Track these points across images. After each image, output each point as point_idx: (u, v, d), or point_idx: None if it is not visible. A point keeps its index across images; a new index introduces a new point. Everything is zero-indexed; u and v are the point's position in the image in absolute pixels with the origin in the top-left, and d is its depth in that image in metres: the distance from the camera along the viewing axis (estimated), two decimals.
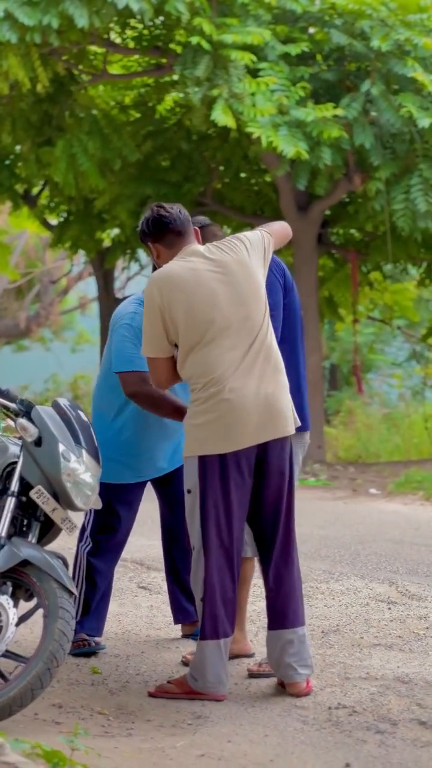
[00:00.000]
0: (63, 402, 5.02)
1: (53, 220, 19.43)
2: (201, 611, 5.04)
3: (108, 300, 19.49)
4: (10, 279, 27.63)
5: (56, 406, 4.99)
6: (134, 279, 27.64)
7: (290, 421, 5.08)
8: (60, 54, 14.49)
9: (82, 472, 4.84)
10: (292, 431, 5.10)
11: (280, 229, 5.38)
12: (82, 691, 5.17)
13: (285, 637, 5.10)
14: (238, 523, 5.04)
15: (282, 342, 5.36)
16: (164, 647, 6.00)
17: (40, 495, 4.77)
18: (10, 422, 5.01)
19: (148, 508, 6.28)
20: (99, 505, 5.05)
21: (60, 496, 4.81)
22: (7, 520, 4.73)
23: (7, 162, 17.56)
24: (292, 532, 5.15)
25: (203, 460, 5.00)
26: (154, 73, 15.67)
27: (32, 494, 4.78)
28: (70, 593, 4.62)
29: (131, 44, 15.45)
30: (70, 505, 4.84)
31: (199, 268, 5.01)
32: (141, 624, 6.51)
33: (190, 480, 5.06)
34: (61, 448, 4.81)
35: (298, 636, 5.11)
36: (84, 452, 4.89)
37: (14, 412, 4.91)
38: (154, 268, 5.36)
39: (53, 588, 4.59)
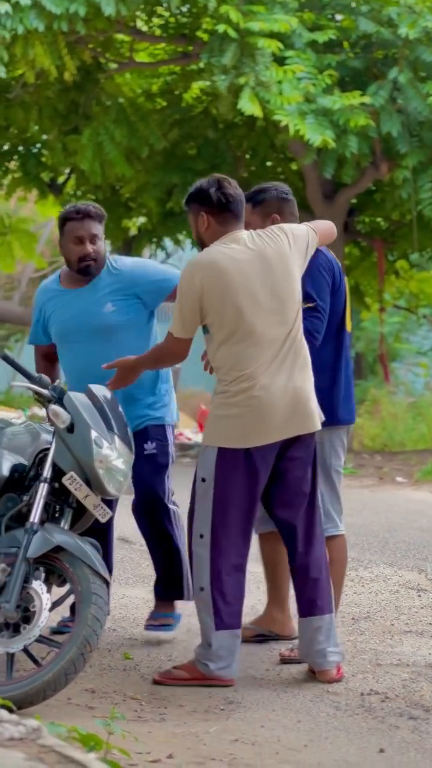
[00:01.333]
0: (96, 388, 5.02)
1: None
2: (205, 599, 5.02)
3: None
4: (36, 267, 27.67)
5: (89, 393, 5.00)
6: None
7: (316, 417, 5.08)
8: (87, 42, 14.50)
9: (114, 458, 4.84)
10: (318, 428, 5.10)
11: (326, 228, 5.33)
12: (115, 676, 5.19)
13: (314, 624, 5.10)
14: (249, 516, 5.04)
15: (326, 341, 5.37)
16: (195, 634, 5.98)
17: (72, 481, 4.78)
18: (36, 410, 5.02)
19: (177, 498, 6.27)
20: (131, 492, 5.06)
21: (92, 483, 4.82)
22: (40, 506, 4.74)
23: (34, 150, 17.61)
24: (315, 521, 5.14)
25: (222, 452, 4.99)
26: (181, 61, 15.65)
27: (64, 480, 4.79)
28: (103, 579, 4.64)
29: (158, 32, 15.44)
30: (102, 491, 4.84)
31: (239, 258, 4.96)
32: None
33: (206, 469, 5.03)
34: (94, 434, 4.82)
35: (326, 623, 5.11)
36: (116, 438, 4.89)
37: (46, 398, 4.92)
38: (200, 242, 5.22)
39: (86, 573, 4.61)
